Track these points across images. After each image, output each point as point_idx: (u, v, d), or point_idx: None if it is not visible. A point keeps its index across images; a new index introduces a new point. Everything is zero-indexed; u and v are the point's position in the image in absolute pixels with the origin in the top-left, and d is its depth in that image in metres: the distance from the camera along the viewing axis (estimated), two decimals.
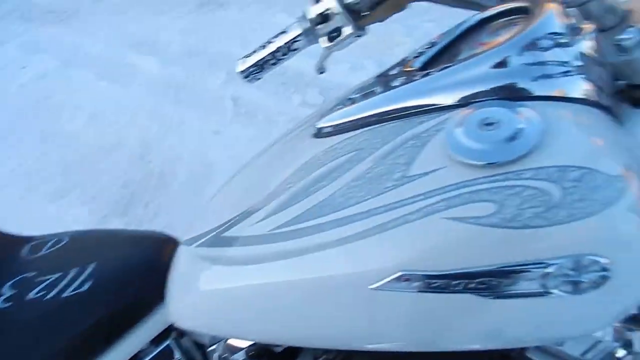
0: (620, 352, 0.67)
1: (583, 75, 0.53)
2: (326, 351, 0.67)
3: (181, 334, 0.74)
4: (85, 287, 0.66)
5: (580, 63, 0.54)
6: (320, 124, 0.63)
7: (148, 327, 0.69)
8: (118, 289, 0.68)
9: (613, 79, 0.62)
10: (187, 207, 2.05)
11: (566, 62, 0.53)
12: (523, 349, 0.65)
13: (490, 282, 0.46)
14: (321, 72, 0.82)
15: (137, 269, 0.70)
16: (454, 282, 0.46)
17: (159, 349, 0.71)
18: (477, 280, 0.46)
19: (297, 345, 0.64)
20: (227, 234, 0.59)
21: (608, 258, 0.45)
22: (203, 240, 0.62)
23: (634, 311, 0.69)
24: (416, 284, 0.47)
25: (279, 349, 0.70)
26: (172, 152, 2.46)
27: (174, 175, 2.31)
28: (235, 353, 0.70)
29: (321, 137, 0.62)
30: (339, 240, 0.50)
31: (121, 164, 2.45)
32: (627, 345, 0.67)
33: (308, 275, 0.52)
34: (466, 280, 0.46)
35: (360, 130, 0.58)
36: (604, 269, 0.45)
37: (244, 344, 0.69)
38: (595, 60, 0.56)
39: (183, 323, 0.63)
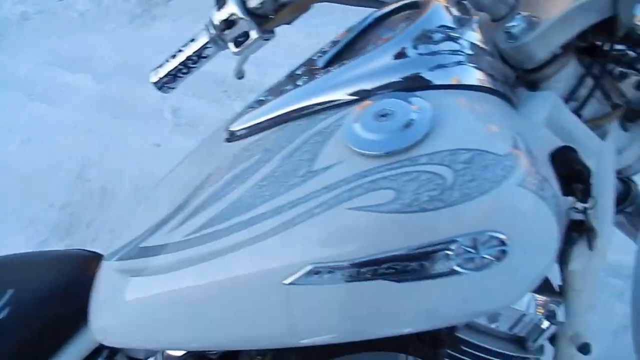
0: (545, 324, 0.70)
1: (474, 64, 0.56)
2: (262, 353, 0.67)
3: (114, 351, 0.73)
4: (3, 315, 0.64)
5: (470, 52, 0.56)
6: (232, 128, 0.63)
7: (75, 349, 0.67)
8: (38, 314, 0.66)
9: (508, 65, 0.65)
10: None
11: (458, 52, 0.56)
12: (452, 329, 0.67)
13: (397, 267, 0.47)
14: (240, 77, 0.82)
15: (58, 291, 0.69)
16: (363, 270, 0.48)
17: None
18: (385, 265, 0.47)
19: (228, 349, 0.64)
20: (144, 244, 0.59)
21: (504, 233, 0.47)
22: (122, 253, 0.61)
23: (546, 278, 0.73)
24: (327, 275, 0.48)
25: (215, 356, 0.70)
26: (113, 168, 2.41)
27: (115, 192, 2.26)
28: None
29: (233, 141, 0.62)
30: (250, 240, 0.51)
31: (59, 185, 2.38)
32: (551, 316, 0.70)
33: (224, 277, 0.52)
34: (374, 267, 0.47)
35: (269, 130, 0.59)
36: (502, 244, 0.47)
37: (180, 353, 0.69)
38: (484, 49, 0.59)
39: (108, 340, 0.63)
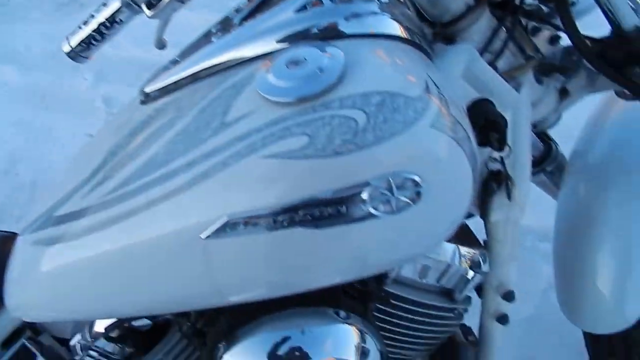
0: (470, 274, 0.72)
1: (389, 14, 0.56)
2: (193, 320, 0.66)
3: (37, 331, 0.70)
4: None
5: (386, 1, 0.57)
6: (146, 89, 0.61)
7: None
8: None
9: (426, 22, 0.66)
10: None
11: (373, 1, 0.56)
12: (380, 283, 0.67)
13: (314, 213, 0.47)
14: (160, 48, 0.79)
15: None
16: (280, 219, 0.47)
17: (11, 351, 0.66)
18: (301, 212, 0.47)
19: (155, 313, 0.62)
20: (58, 212, 0.57)
21: (418, 174, 0.48)
22: (36, 224, 0.59)
23: (470, 231, 0.75)
24: (244, 226, 0.48)
25: (144, 327, 0.68)
26: (43, 161, 2.30)
27: (47, 185, 2.16)
28: (98, 339, 0.67)
29: (147, 103, 0.61)
30: (164, 196, 0.50)
31: None
32: (476, 266, 0.72)
33: (142, 237, 0.51)
34: (291, 214, 0.47)
35: (183, 89, 0.58)
36: (417, 185, 0.48)
37: (106, 324, 0.66)
38: (400, 1, 0.59)
39: (27, 315, 0.60)
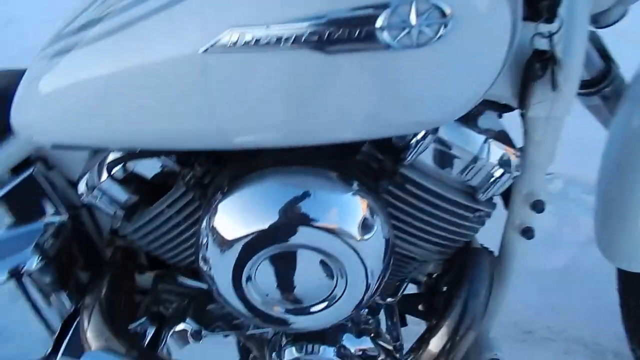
0: (498, 172, 0.65)
1: None
2: (196, 173, 0.63)
3: (48, 166, 0.70)
4: None
5: None
6: None
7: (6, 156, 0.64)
8: None
9: None
10: None
11: None
12: (397, 165, 0.62)
13: (322, 33, 0.43)
14: None
15: None
16: (285, 35, 0.43)
17: (20, 179, 0.67)
18: (309, 30, 0.43)
19: (154, 147, 0.60)
20: (69, 28, 0.55)
21: (448, 3, 0.42)
22: (48, 44, 0.57)
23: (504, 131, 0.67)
24: (247, 39, 0.44)
25: (150, 174, 0.66)
26: None
27: None
28: (104, 181, 0.66)
29: None
30: (166, 4, 0.47)
31: None
32: (505, 164, 0.65)
33: (142, 48, 0.49)
34: (297, 31, 0.43)
35: None
36: (444, 16, 0.43)
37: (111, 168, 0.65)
38: None
39: (32, 132, 0.59)
